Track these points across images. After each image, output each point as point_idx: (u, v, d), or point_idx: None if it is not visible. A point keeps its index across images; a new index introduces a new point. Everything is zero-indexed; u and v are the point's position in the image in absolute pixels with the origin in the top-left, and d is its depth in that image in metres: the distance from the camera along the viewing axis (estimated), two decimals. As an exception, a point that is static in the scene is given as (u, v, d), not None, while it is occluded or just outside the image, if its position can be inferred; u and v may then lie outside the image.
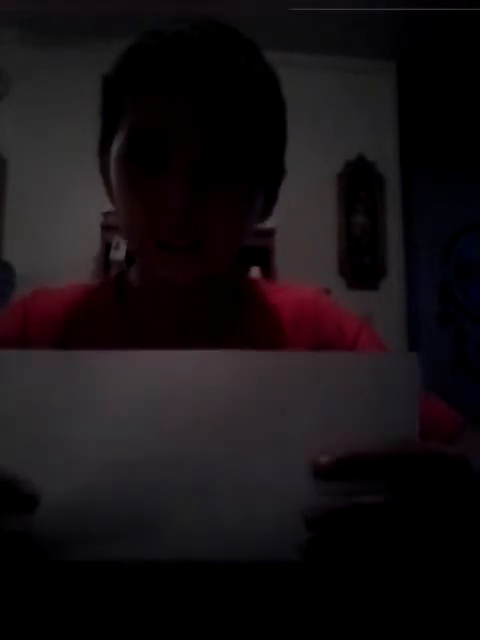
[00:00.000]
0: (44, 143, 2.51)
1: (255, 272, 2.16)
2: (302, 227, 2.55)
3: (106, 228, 2.26)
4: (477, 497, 0.31)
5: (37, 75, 2.55)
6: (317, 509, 0.30)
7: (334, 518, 0.30)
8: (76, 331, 0.57)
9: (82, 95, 2.61)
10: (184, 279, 0.50)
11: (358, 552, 0.30)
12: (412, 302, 2.84)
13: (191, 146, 0.46)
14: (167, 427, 0.32)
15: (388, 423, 0.32)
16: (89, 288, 0.63)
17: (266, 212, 0.57)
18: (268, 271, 2.24)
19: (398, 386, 0.32)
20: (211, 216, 0.47)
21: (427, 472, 0.31)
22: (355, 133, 2.73)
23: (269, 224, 2.07)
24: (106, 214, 2.30)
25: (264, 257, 2.23)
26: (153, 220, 0.47)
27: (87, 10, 2.34)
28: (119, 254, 2.17)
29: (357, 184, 2.75)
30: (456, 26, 2.48)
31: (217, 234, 0.48)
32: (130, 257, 2.17)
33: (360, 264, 2.70)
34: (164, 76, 0.46)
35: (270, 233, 2.23)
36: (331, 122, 2.71)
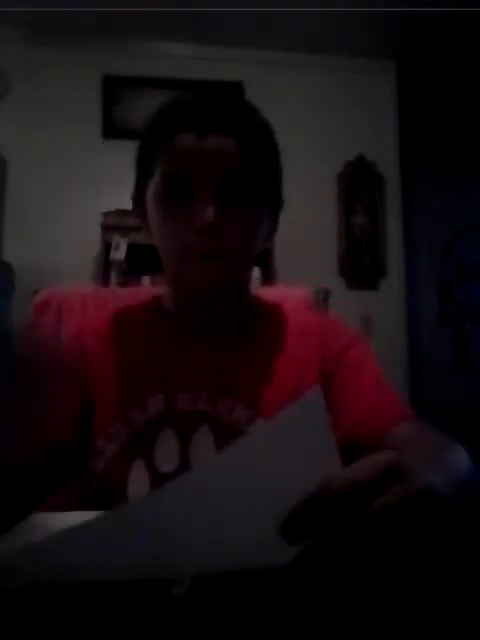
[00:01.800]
0: (44, 143, 2.51)
1: (255, 272, 2.16)
2: (302, 227, 2.55)
3: (106, 228, 2.26)
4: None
5: (37, 75, 2.55)
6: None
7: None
8: (121, 346, 0.70)
9: (82, 95, 2.62)
10: (209, 283, 0.64)
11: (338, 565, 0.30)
12: (412, 302, 2.84)
13: (209, 177, 0.61)
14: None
15: (312, 456, 0.35)
16: (132, 308, 0.76)
17: (271, 234, 0.73)
18: (268, 271, 2.24)
19: (310, 423, 0.36)
20: (231, 231, 0.62)
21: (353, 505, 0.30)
22: (355, 133, 2.73)
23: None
24: (106, 214, 2.31)
25: (264, 257, 2.23)
26: (187, 236, 0.62)
27: (87, 10, 2.34)
28: (119, 254, 2.17)
29: (357, 184, 2.75)
30: (456, 26, 2.48)
31: (238, 245, 0.63)
32: (129, 258, 2.17)
33: (360, 264, 2.71)
34: (182, 122, 0.62)
35: (270, 233, 2.23)
36: (331, 122, 2.71)
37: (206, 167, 0.61)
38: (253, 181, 0.64)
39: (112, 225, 2.27)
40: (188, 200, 0.62)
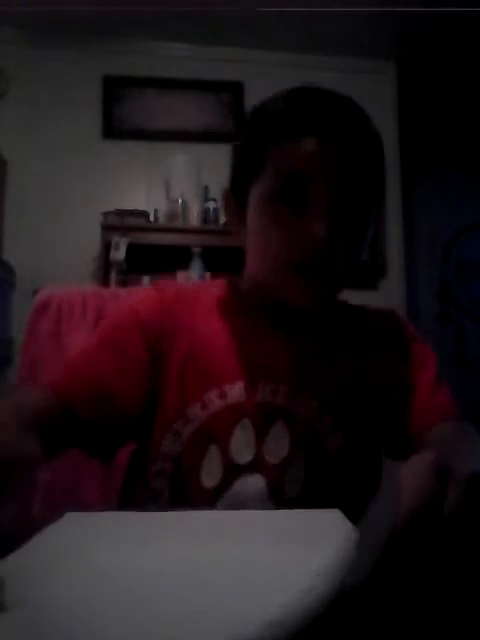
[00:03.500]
0: (44, 143, 2.51)
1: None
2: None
3: (106, 228, 2.26)
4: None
5: (37, 75, 2.55)
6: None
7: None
8: (201, 317, 0.67)
9: (82, 95, 2.62)
10: (311, 302, 0.62)
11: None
12: (412, 302, 2.84)
13: (328, 186, 0.58)
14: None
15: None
16: (212, 286, 0.73)
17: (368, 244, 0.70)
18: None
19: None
20: (341, 246, 0.59)
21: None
22: (355, 133, 2.73)
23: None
24: (106, 214, 2.31)
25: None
26: (296, 246, 0.58)
27: (87, 10, 2.34)
28: (119, 254, 2.17)
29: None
30: (456, 26, 2.48)
31: (344, 261, 0.60)
32: (129, 258, 2.17)
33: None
34: (308, 125, 0.58)
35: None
36: (331, 122, 2.71)
37: (325, 174, 0.58)
38: (368, 195, 0.62)
39: (112, 225, 2.27)
40: (300, 207, 0.58)
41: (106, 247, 2.23)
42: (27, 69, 2.54)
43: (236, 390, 0.63)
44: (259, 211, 0.61)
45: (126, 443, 0.68)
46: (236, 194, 0.66)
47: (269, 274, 0.62)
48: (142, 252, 2.28)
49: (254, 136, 0.62)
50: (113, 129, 2.55)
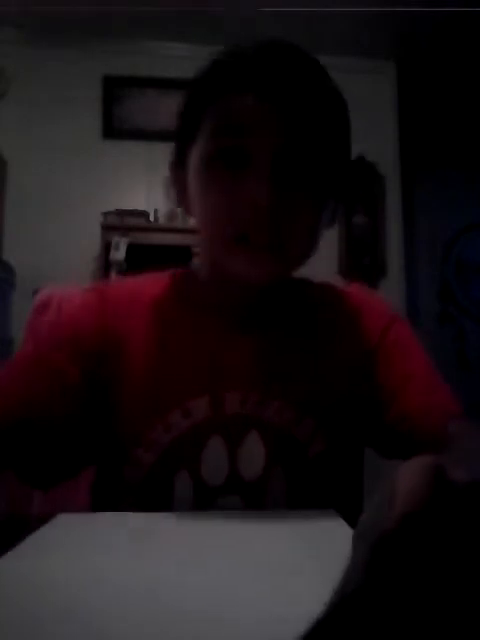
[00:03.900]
0: (44, 143, 2.51)
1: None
2: (302, 227, 2.55)
3: (106, 228, 2.26)
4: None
5: (37, 75, 2.55)
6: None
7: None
8: (149, 318, 0.60)
9: (82, 95, 2.62)
10: (259, 277, 0.54)
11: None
12: (412, 302, 2.84)
13: (270, 141, 0.50)
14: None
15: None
16: (158, 281, 0.65)
17: (332, 221, 0.62)
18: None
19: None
20: (290, 216, 0.51)
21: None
22: (355, 133, 2.71)
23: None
24: (106, 214, 2.31)
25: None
26: (235, 215, 0.51)
27: (87, 10, 2.34)
28: (119, 254, 2.17)
29: (357, 184, 2.75)
30: (456, 26, 2.47)
31: (295, 235, 0.52)
32: (129, 258, 2.17)
33: (360, 264, 2.70)
34: (243, 81, 0.51)
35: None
36: (331, 122, 2.71)
37: (265, 131, 0.50)
38: (319, 156, 0.53)
39: (112, 225, 2.27)
40: (239, 170, 0.51)
41: (106, 247, 2.22)
42: (27, 69, 2.54)
43: (201, 406, 0.56)
44: (196, 178, 0.54)
45: (73, 471, 0.60)
46: (178, 161, 0.59)
47: (212, 248, 0.55)
48: (142, 252, 2.28)
49: (190, 98, 0.56)
50: (113, 129, 2.55)
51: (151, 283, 0.64)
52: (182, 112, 0.57)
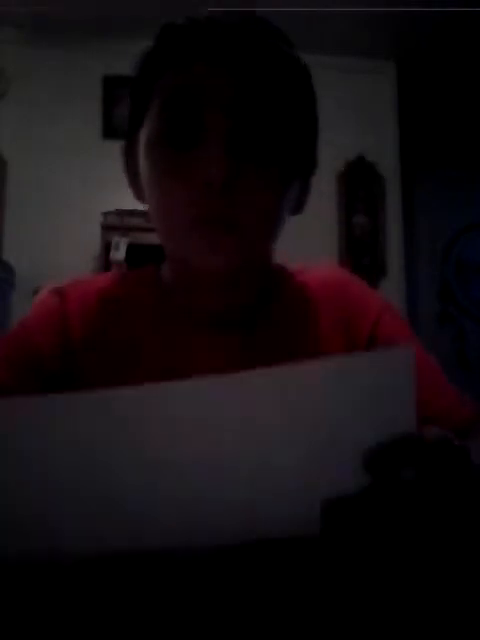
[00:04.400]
0: (44, 143, 2.51)
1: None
2: (302, 227, 2.55)
3: (106, 228, 2.26)
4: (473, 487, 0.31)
5: (37, 75, 2.55)
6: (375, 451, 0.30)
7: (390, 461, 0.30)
8: (115, 321, 0.55)
9: (82, 95, 2.61)
10: (219, 262, 0.49)
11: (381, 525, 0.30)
12: (412, 302, 2.84)
13: (224, 117, 0.46)
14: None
15: (389, 420, 0.31)
16: (124, 278, 0.61)
17: (299, 204, 0.58)
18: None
19: (396, 383, 0.32)
20: (247, 193, 0.47)
21: (437, 460, 0.31)
22: (355, 133, 2.73)
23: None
24: (106, 214, 2.31)
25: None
26: (190, 197, 0.47)
27: (87, 10, 2.34)
28: (119, 254, 2.17)
29: (357, 184, 2.75)
30: (456, 26, 2.48)
31: (254, 214, 0.48)
32: (129, 258, 2.17)
33: (360, 264, 2.71)
34: (194, 51, 0.47)
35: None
36: (331, 122, 2.70)
37: (218, 103, 0.46)
38: (277, 130, 0.49)
39: (112, 225, 2.26)
40: (191, 147, 0.47)
41: (106, 247, 2.22)
42: (27, 69, 2.54)
43: None
44: (146, 159, 0.50)
45: None
46: (129, 145, 0.55)
47: (172, 236, 0.51)
48: (142, 252, 2.28)
49: (137, 76, 0.53)
50: (113, 129, 2.55)
51: (117, 281, 0.60)
52: (131, 93, 0.54)
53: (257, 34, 0.49)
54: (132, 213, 2.34)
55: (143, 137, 0.50)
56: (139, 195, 0.55)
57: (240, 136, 0.47)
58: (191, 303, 0.55)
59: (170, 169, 0.48)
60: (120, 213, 2.31)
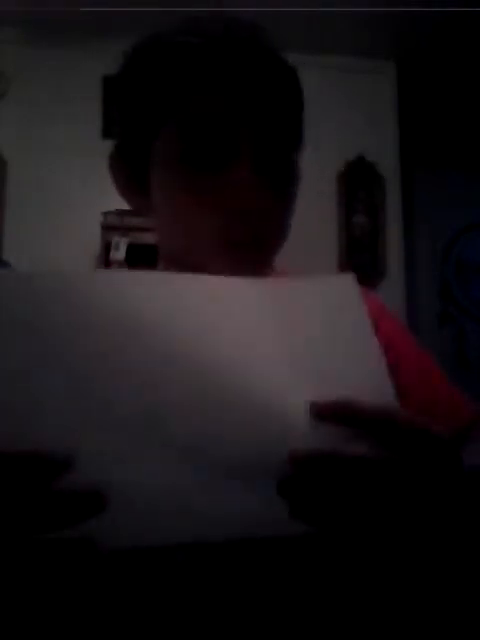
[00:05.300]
0: (44, 143, 2.51)
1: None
2: (302, 227, 2.54)
3: (106, 228, 2.26)
4: (450, 481, 0.32)
5: (37, 75, 2.55)
6: (302, 449, 0.31)
7: (316, 460, 0.31)
8: None
9: (82, 95, 2.61)
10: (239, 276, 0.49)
11: (332, 499, 0.30)
12: (412, 302, 2.84)
13: (252, 141, 0.47)
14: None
15: (347, 339, 0.36)
16: None
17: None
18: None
19: (347, 306, 0.37)
20: (269, 211, 0.48)
21: (409, 441, 0.31)
22: (355, 133, 2.73)
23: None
24: (106, 214, 2.30)
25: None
26: (220, 219, 0.47)
27: (87, 10, 2.34)
28: (119, 254, 2.17)
29: (357, 184, 2.74)
30: (456, 26, 2.47)
31: (273, 231, 0.50)
32: (129, 258, 2.17)
33: (360, 264, 2.70)
34: (218, 75, 0.47)
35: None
36: (331, 122, 2.70)
37: (248, 127, 0.47)
38: (294, 145, 0.51)
39: (112, 225, 2.26)
40: (219, 169, 0.47)
41: (106, 247, 2.22)
42: (27, 69, 2.54)
43: None
44: (165, 179, 0.50)
45: None
46: (129, 159, 0.55)
47: (191, 253, 0.50)
48: (142, 252, 2.28)
49: (147, 93, 0.51)
50: (113, 129, 2.55)
51: None
52: (139, 106, 0.52)
53: (259, 45, 0.51)
54: (132, 213, 2.34)
55: (160, 155, 0.50)
56: (137, 205, 0.55)
57: (265, 156, 0.48)
58: None
59: (194, 190, 0.48)
60: (120, 213, 2.30)
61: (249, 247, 0.48)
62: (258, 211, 0.46)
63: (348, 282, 0.39)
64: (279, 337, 0.34)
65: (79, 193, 2.49)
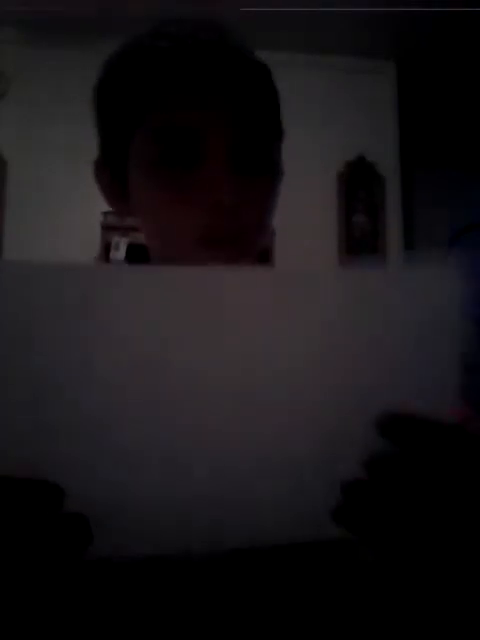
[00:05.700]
0: (44, 143, 2.51)
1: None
2: (302, 227, 2.55)
3: (106, 228, 2.26)
4: None
5: (37, 75, 2.55)
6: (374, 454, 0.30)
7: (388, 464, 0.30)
8: None
9: (82, 95, 2.61)
10: None
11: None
12: (412, 302, 2.84)
13: (223, 136, 0.47)
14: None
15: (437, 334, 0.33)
16: None
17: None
18: (268, 271, 2.24)
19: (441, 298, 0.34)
20: (247, 205, 0.48)
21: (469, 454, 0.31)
22: (355, 133, 2.73)
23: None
24: (106, 214, 2.30)
25: (263, 256, 2.23)
26: (196, 216, 0.47)
27: (87, 10, 2.34)
28: (119, 254, 2.17)
29: (357, 184, 2.74)
30: (456, 26, 2.47)
31: (253, 225, 0.49)
32: (129, 258, 2.17)
33: (360, 264, 2.70)
34: (187, 76, 0.48)
35: (270, 233, 2.23)
36: (331, 122, 2.70)
37: (215, 121, 0.47)
38: (268, 140, 0.51)
39: (112, 225, 2.26)
40: (192, 168, 0.48)
41: (106, 247, 2.23)
42: (27, 69, 2.54)
43: None
44: (141, 178, 0.51)
45: None
46: (111, 164, 0.56)
47: (172, 250, 0.51)
48: (142, 252, 2.28)
49: (125, 94, 0.53)
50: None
51: None
52: (113, 110, 0.54)
53: (233, 47, 0.50)
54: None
55: (135, 158, 0.51)
56: (120, 209, 0.56)
57: (239, 151, 0.48)
58: None
59: (170, 188, 0.48)
60: (120, 213, 2.31)
61: (229, 242, 0.48)
62: (234, 206, 0.46)
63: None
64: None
65: (79, 193, 2.49)
